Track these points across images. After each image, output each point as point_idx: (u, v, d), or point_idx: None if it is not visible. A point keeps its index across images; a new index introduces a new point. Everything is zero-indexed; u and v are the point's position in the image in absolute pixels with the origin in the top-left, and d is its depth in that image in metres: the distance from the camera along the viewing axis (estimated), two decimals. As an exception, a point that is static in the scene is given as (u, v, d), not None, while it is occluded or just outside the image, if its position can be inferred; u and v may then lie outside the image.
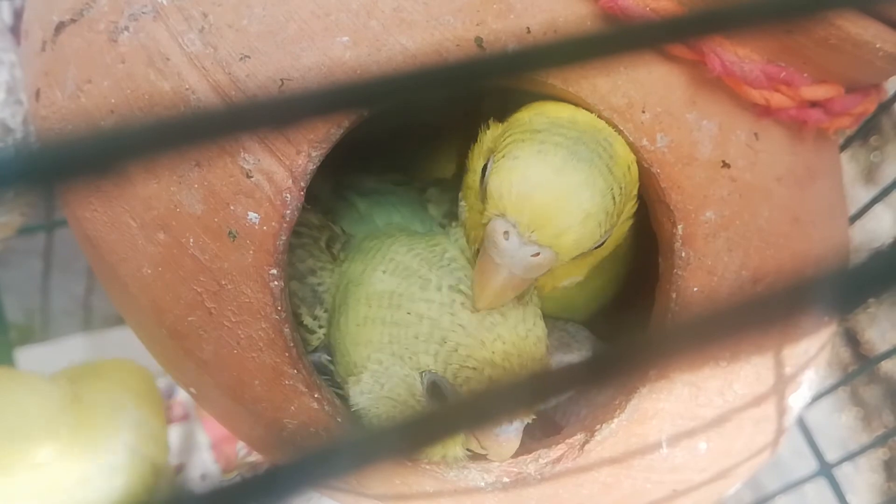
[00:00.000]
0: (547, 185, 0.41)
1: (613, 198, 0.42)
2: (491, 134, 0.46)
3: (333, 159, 0.46)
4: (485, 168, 0.44)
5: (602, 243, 0.43)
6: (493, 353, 0.42)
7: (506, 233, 0.41)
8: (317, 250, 0.49)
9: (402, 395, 0.44)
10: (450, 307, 0.43)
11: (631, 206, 0.45)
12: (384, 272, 0.46)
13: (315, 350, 0.49)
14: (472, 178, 0.46)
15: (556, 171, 0.41)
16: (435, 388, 0.43)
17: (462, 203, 0.48)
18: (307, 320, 0.48)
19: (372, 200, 0.53)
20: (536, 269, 0.42)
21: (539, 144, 0.41)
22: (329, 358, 0.49)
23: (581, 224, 0.41)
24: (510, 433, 0.43)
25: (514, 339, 0.43)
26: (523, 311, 0.44)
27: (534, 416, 0.44)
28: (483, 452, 0.44)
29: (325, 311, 0.49)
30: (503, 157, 0.42)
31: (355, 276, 0.47)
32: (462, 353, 0.42)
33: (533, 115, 0.44)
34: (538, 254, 0.41)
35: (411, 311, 0.44)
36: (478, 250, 0.45)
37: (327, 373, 0.49)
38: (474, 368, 0.42)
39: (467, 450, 0.45)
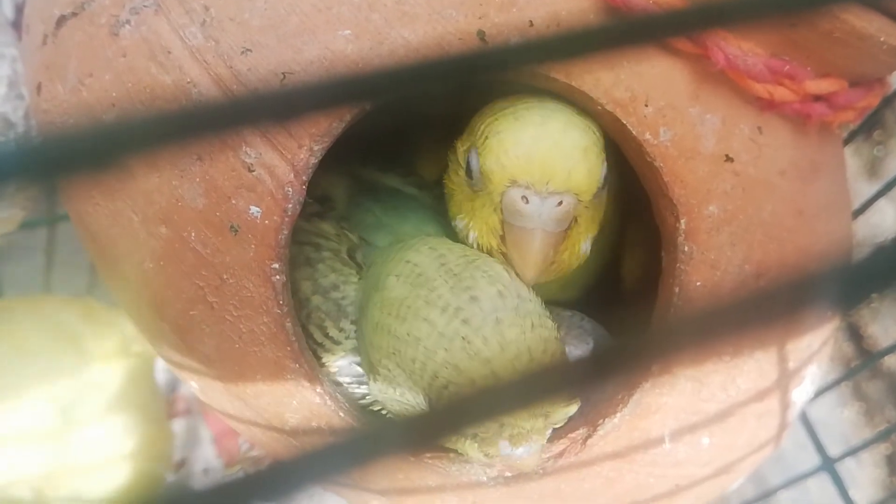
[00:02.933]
0: (540, 138, 0.43)
1: (595, 133, 0.44)
2: (460, 147, 0.48)
3: (349, 154, 0.46)
4: (468, 167, 0.45)
5: (605, 185, 0.45)
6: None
7: (524, 197, 0.43)
8: (339, 263, 0.49)
9: (410, 402, 0.44)
10: (448, 340, 0.41)
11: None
12: (397, 276, 0.45)
13: (343, 357, 0.49)
14: (458, 197, 0.48)
15: (539, 124, 0.43)
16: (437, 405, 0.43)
17: (462, 222, 0.48)
18: (333, 332, 0.48)
19: (388, 206, 0.53)
20: (565, 218, 0.44)
21: (512, 114, 0.44)
22: (356, 361, 0.49)
23: (584, 157, 0.43)
24: (525, 455, 0.42)
25: (512, 374, 0.41)
26: (528, 341, 0.41)
27: (555, 426, 0.43)
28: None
29: (352, 322, 0.48)
30: (486, 138, 0.44)
31: (374, 280, 0.47)
32: (452, 389, 0.41)
33: (488, 110, 0.46)
34: (561, 202, 0.43)
35: (411, 331, 0.42)
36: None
37: (357, 376, 0.49)
38: None
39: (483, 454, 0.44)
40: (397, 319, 0.43)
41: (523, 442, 0.41)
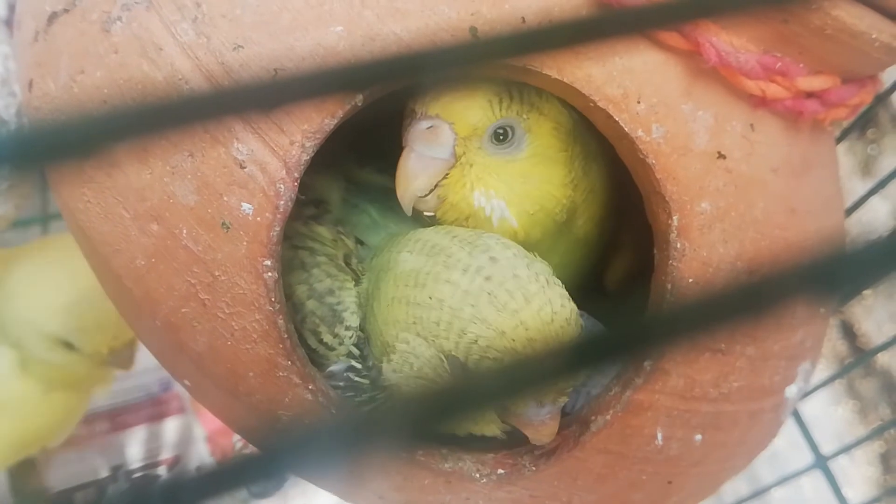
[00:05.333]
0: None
1: (510, 93, 0.47)
2: None
3: (342, 155, 0.46)
4: None
5: (509, 139, 0.48)
6: (515, 340, 0.41)
7: (410, 122, 0.47)
8: (334, 269, 0.49)
9: (429, 375, 0.44)
10: (474, 297, 0.42)
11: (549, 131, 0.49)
12: (409, 252, 0.46)
13: (336, 363, 0.49)
14: None
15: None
16: (461, 370, 0.43)
17: None
18: (327, 338, 0.48)
19: (383, 206, 0.53)
20: (435, 141, 0.47)
21: None
22: (353, 366, 0.49)
23: (469, 97, 0.46)
24: (544, 416, 0.43)
25: (539, 324, 0.42)
26: (548, 294, 0.43)
27: (566, 398, 0.44)
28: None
29: (347, 328, 0.48)
30: None
31: (384, 264, 0.47)
32: (482, 343, 0.42)
33: None
34: (432, 126, 0.46)
35: (433, 294, 0.43)
36: None
37: (351, 381, 0.49)
38: (495, 359, 0.42)
39: (505, 424, 0.45)
40: (416, 288, 0.44)
41: (549, 400, 0.43)
